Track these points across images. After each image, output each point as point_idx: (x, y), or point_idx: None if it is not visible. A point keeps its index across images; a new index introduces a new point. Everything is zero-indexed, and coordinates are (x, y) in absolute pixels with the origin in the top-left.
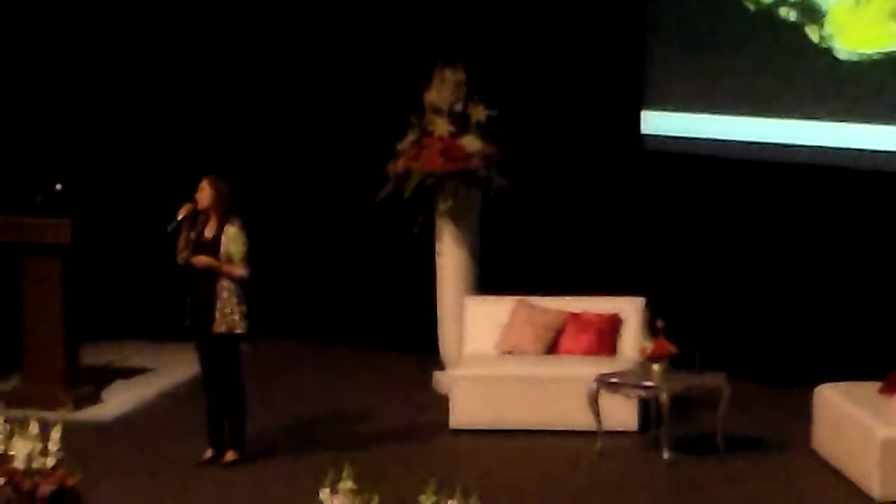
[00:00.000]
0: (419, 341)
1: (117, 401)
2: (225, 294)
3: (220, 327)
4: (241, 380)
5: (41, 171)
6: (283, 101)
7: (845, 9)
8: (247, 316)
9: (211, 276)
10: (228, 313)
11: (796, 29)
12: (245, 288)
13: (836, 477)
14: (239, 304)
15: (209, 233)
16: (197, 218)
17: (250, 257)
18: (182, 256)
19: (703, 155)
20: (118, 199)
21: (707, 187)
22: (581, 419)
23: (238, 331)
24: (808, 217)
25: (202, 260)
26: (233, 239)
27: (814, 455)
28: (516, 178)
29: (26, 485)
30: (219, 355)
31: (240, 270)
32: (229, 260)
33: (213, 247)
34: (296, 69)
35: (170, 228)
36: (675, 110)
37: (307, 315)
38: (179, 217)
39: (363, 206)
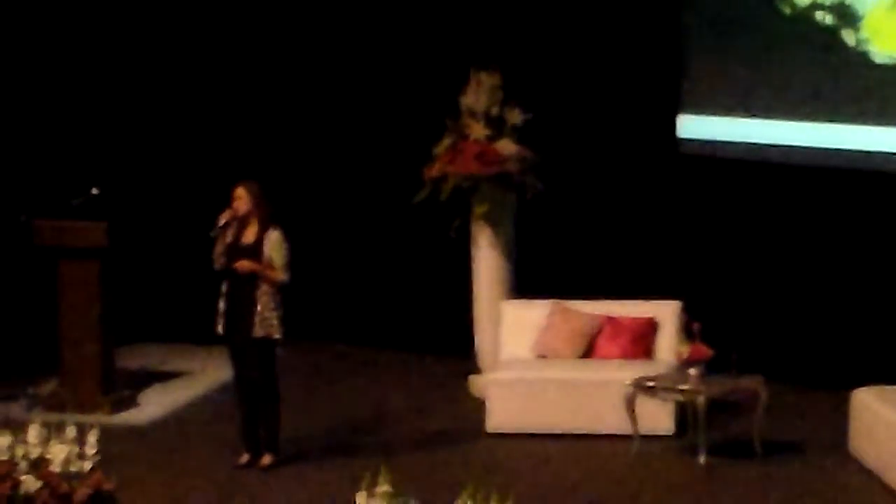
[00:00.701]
0: (455, 345)
1: (154, 405)
2: (264, 298)
3: (259, 332)
4: (276, 384)
5: (78, 174)
6: (319, 104)
7: (881, 12)
8: (283, 321)
9: (251, 281)
10: (267, 318)
11: (832, 33)
12: (282, 292)
13: (874, 481)
14: (277, 309)
15: (248, 238)
16: (228, 224)
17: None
18: (221, 262)
19: (739, 159)
20: (154, 202)
21: (743, 191)
22: (617, 423)
23: (276, 336)
24: (845, 221)
25: (245, 265)
26: (275, 245)
27: (851, 459)
28: (552, 182)
29: (63, 488)
30: (255, 359)
31: (281, 276)
32: (270, 265)
33: (253, 252)
34: (332, 73)
35: (213, 234)
36: (711, 114)
37: (343, 319)
38: (221, 223)
39: (399, 209)
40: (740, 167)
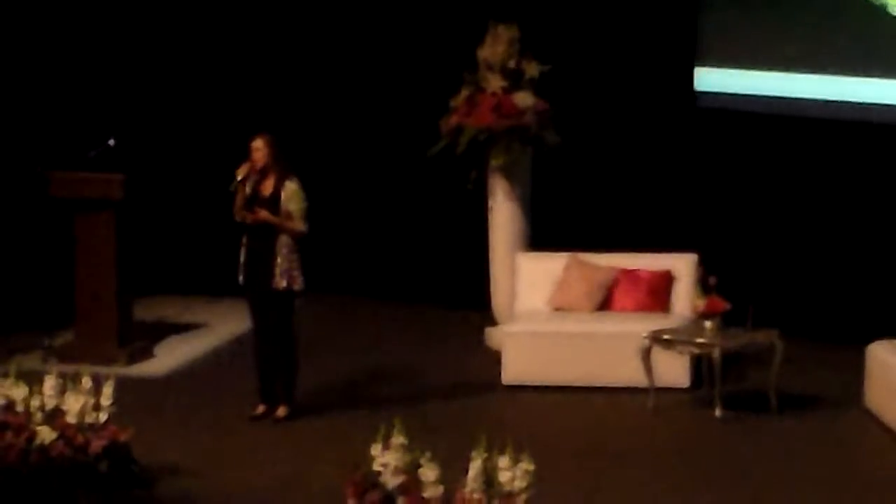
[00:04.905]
0: (472, 297)
1: (169, 356)
2: (284, 250)
3: (280, 283)
4: (294, 335)
5: (94, 126)
6: (335, 56)
7: None
8: (303, 272)
9: (270, 232)
10: (287, 269)
11: None
12: (300, 243)
13: (889, 434)
14: (296, 260)
15: (266, 190)
16: (247, 177)
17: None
18: (241, 214)
19: (757, 112)
20: (171, 153)
21: (760, 144)
22: (633, 376)
23: (297, 287)
24: (861, 174)
25: (262, 214)
26: (292, 195)
27: (867, 413)
28: (569, 135)
29: (79, 439)
30: (275, 311)
31: (300, 226)
32: (289, 216)
33: (271, 204)
34: (350, 25)
35: (232, 189)
36: (728, 67)
37: (360, 271)
38: (240, 177)
39: (416, 162)
40: (757, 120)
